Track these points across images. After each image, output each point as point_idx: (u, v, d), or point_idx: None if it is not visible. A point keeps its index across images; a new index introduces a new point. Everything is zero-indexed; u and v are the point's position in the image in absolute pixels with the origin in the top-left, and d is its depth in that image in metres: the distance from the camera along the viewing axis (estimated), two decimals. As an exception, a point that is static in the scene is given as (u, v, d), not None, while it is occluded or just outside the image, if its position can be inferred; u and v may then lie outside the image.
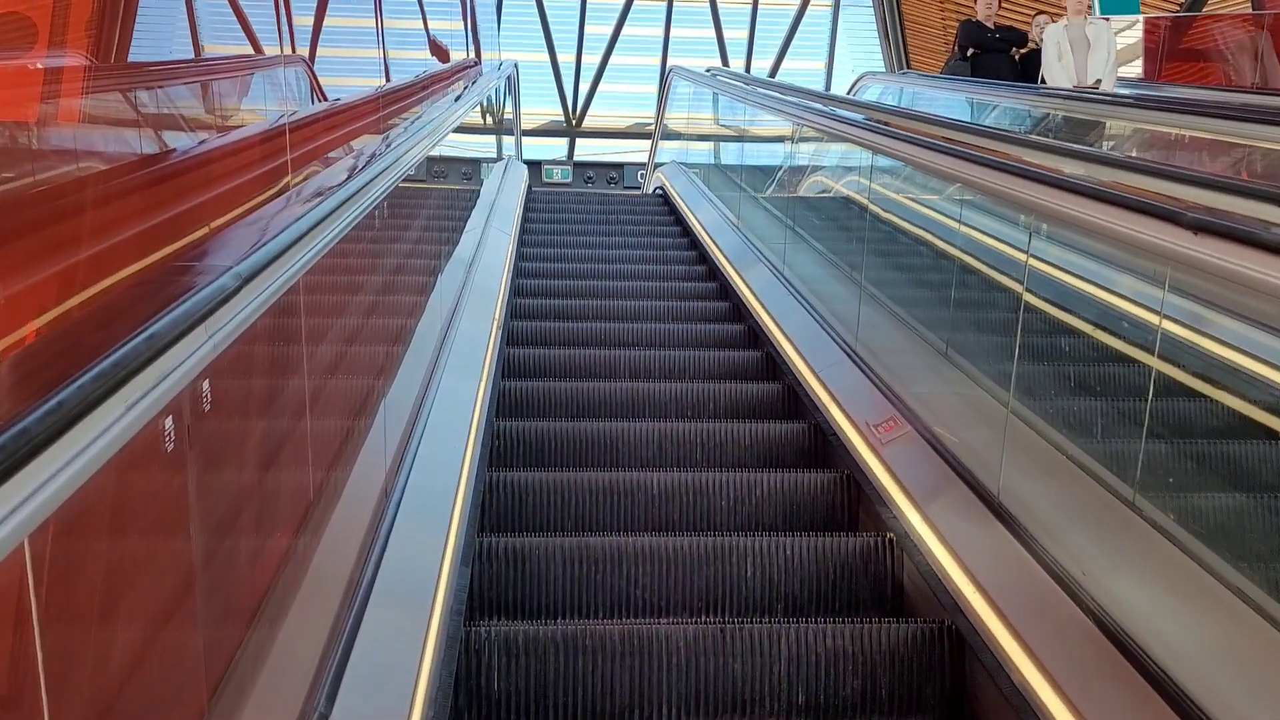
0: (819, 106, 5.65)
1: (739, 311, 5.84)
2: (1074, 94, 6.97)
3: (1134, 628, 2.23)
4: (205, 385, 1.41)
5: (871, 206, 4.68)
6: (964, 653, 2.68)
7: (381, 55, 3.63)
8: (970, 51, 8.78)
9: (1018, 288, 3.03)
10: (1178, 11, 10.92)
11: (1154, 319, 2.40)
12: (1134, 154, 5.81)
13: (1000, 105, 7.84)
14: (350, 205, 2.32)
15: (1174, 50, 9.65)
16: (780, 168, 6.89)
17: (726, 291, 6.21)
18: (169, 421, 1.26)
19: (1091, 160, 3.19)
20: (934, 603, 2.86)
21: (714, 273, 6.66)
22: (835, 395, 4.13)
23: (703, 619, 2.99)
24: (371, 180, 2.63)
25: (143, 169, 1.47)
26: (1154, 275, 2.40)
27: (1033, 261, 3.03)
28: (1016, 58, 8.81)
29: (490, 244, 6.07)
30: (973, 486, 3.05)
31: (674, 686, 2.66)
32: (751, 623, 2.76)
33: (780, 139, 6.85)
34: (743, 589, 3.14)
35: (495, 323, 4.81)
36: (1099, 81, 7.56)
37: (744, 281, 5.94)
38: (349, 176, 2.55)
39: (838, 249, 5.17)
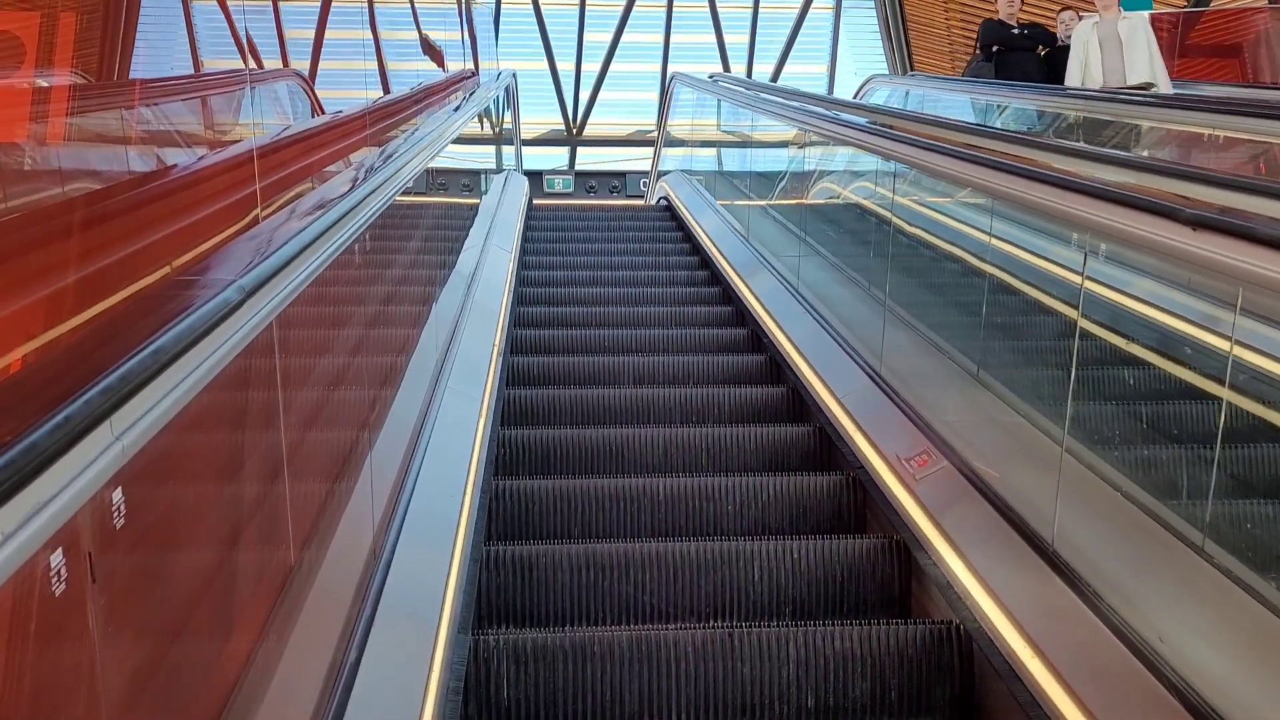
0: (834, 114, 5.44)
1: (743, 316, 5.84)
2: (1102, 95, 6.46)
3: (1226, 706, 1.95)
4: (116, 495, 1.14)
5: (895, 219, 4.35)
6: (973, 655, 2.68)
7: (378, 67, 3.61)
8: (995, 50, 8.27)
9: (1071, 313, 2.74)
10: (1187, 7, 10.77)
11: (1224, 345, 2.18)
12: (1170, 157, 5.45)
13: (1014, 107, 7.39)
14: (325, 241, 2.04)
15: (1186, 46, 9.39)
16: (790, 178, 6.69)
17: (730, 296, 6.21)
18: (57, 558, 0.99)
19: (1105, 161, 3.03)
20: (987, 666, 2.59)
21: (716, 278, 6.63)
22: (862, 424, 3.80)
23: (710, 624, 2.99)
24: (350, 211, 2.33)
25: (65, 214, 1.20)
26: (1223, 296, 2.15)
27: (1089, 284, 2.71)
28: (1042, 55, 8.24)
29: (490, 261, 5.99)
30: (1021, 530, 2.75)
31: (683, 691, 2.66)
32: (759, 627, 2.76)
33: (789, 147, 6.66)
34: (750, 593, 3.13)
35: (496, 348, 4.74)
36: (1149, 85, 6.88)
37: (755, 296, 5.79)
38: (325, 207, 2.22)
39: (856, 262, 4.94)
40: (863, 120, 5.02)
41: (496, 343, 4.77)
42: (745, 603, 3.13)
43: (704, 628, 2.77)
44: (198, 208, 1.61)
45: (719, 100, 9.27)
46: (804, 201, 6.22)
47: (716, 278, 6.64)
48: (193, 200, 1.60)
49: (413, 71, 4.55)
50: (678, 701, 2.65)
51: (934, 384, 3.74)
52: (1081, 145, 3.98)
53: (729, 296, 6.21)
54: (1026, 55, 8.24)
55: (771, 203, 6.87)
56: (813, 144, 5.98)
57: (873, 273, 4.58)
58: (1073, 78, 7.18)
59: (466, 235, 5.84)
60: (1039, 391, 3.13)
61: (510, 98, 10.89)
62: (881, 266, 4.47)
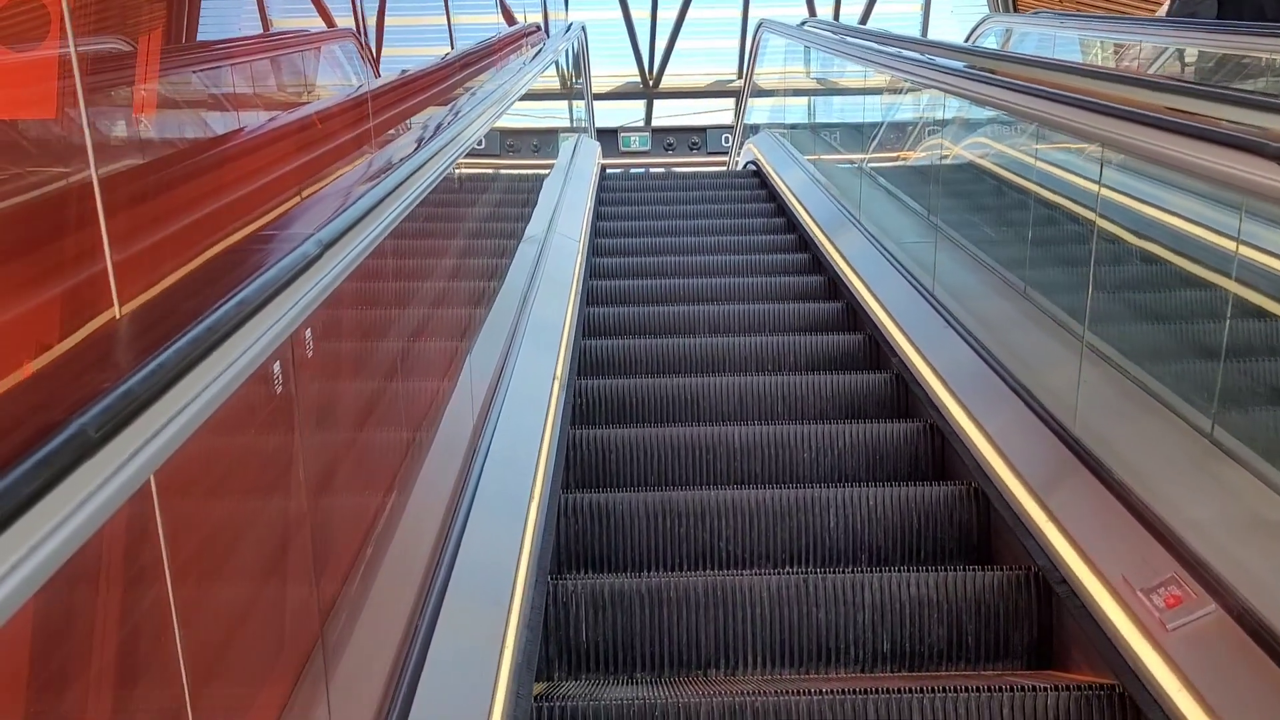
0: (1000, 77, 3.88)
1: (858, 324, 5.05)
2: None
3: None
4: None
5: (1101, 222, 3.09)
6: (1051, 599, 2.66)
7: (447, 23, 3.54)
8: None
9: None
10: None
11: None
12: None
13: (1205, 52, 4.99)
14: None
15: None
16: (925, 153, 5.19)
17: (834, 296, 6.08)
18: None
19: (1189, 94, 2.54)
20: None
21: (836, 288, 5.38)
22: (1073, 533, 2.62)
23: (786, 570, 3.01)
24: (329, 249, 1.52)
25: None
26: None
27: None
28: None
29: (562, 225, 5.74)
30: None
31: (758, 636, 2.69)
32: (835, 572, 2.78)
33: (926, 117, 5.20)
34: (826, 540, 3.15)
35: (570, 304, 4.74)
36: None
37: (882, 305, 4.68)
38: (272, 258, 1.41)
39: (1023, 264, 3.78)
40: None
41: (571, 298, 4.79)
42: (821, 549, 3.15)
43: (780, 573, 2.80)
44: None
45: (807, 49, 8.28)
46: (959, 194, 4.73)
47: (836, 288, 5.32)
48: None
49: (474, 26, 4.27)
50: (753, 645, 2.69)
51: (1163, 456, 2.61)
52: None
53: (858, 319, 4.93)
54: None
55: (905, 189, 5.26)
56: (950, 107, 4.71)
57: (1057, 289, 3.49)
58: None
59: (538, 198, 5.79)
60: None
61: (580, 53, 10.28)
62: (1075, 279, 3.26)
